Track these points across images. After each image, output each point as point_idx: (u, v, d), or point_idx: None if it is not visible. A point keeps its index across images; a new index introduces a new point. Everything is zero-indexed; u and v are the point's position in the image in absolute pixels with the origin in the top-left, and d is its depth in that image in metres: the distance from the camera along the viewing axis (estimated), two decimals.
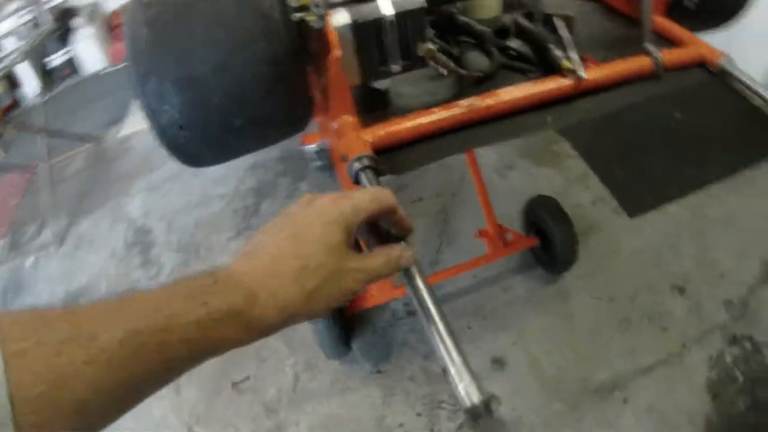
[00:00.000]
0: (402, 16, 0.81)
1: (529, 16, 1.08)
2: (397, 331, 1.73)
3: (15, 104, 3.17)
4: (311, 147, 2.16)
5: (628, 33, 1.11)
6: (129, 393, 0.35)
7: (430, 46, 0.87)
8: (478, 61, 1.02)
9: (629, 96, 0.95)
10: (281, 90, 0.81)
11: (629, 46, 1.02)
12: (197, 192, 2.46)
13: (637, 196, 2.05)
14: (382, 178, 0.76)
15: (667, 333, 1.62)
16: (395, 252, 0.53)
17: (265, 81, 0.78)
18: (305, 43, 0.86)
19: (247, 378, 1.70)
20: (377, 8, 0.80)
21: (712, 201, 1.99)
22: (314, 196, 0.50)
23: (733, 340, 1.57)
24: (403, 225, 0.55)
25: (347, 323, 1.70)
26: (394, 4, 0.81)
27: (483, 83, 0.97)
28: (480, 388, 0.49)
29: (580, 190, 2.11)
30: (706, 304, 1.67)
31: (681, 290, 1.72)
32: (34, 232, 2.47)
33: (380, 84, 0.96)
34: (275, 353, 1.74)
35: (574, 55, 0.95)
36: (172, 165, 1.20)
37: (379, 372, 1.64)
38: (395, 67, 0.88)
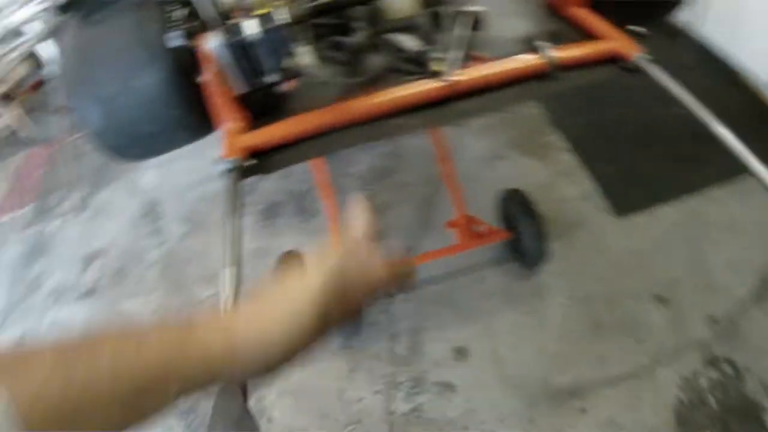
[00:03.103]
0: (266, 33, 0.85)
1: (435, 15, 1.05)
2: (369, 310, 1.78)
3: (41, 83, 3.37)
4: None
5: (550, 28, 1.08)
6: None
7: (304, 57, 0.89)
8: (372, 62, 1.03)
9: (517, 96, 0.92)
10: (173, 104, 1.04)
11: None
12: (201, 170, 2.47)
13: (627, 194, 1.94)
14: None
15: (641, 344, 1.54)
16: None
17: (156, 98, 1.02)
18: (188, 65, 1.03)
19: None
20: (244, 28, 0.86)
21: (712, 205, 1.85)
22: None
23: (712, 361, 1.47)
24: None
25: None
26: (260, 22, 0.86)
27: (368, 86, 0.98)
28: None
29: (568, 185, 2.03)
30: (689, 317, 1.58)
31: (664, 300, 1.63)
32: (59, 200, 2.63)
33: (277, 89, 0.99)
34: None
35: (453, 55, 0.93)
36: None
37: (348, 347, 1.70)
38: (271, 79, 0.91)
